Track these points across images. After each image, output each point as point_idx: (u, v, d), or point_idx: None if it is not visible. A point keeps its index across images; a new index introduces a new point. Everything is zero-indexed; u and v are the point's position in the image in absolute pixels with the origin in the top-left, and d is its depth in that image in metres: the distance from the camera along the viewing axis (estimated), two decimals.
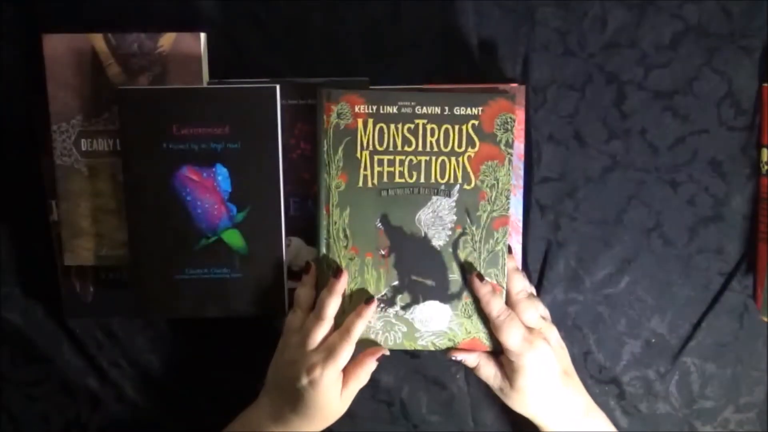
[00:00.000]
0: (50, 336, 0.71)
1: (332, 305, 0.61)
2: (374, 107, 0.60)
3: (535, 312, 0.63)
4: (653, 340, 0.70)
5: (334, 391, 0.60)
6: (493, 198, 0.61)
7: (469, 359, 0.64)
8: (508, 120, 0.60)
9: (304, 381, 0.59)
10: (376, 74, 0.64)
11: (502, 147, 0.60)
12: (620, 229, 0.69)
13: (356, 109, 0.60)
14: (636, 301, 0.70)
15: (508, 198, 0.61)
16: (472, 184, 0.61)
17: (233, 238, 0.64)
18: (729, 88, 0.67)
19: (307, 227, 0.66)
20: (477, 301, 0.62)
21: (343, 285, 0.62)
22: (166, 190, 0.63)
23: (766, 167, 0.67)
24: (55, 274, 0.68)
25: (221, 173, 0.63)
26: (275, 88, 0.62)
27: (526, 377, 0.61)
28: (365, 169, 0.61)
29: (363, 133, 0.60)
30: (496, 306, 0.62)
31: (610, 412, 0.71)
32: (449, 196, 0.61)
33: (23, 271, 0.70)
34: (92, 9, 0.66)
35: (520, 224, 0.67)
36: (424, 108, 0.60)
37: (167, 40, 0.63)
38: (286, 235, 0.65)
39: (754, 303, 0.69)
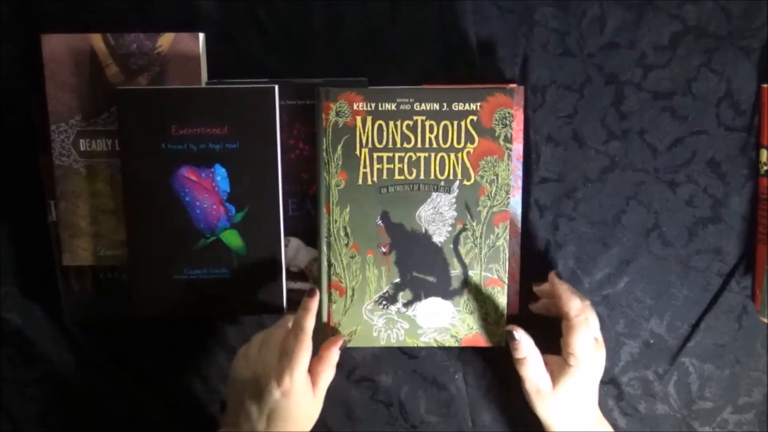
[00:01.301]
0: (49, 336, 0.71)
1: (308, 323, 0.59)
2: (373, 104, 0.60)
3: (597, 326, 0.63)
4: (652, 341, 0.70)
5: (306, 394, 0.58)
6: (492, 193, 0.61)
7: (524, 345, 0.61)
8: (506, 115, 0.60)
9: (276, 394, 0.57)
10: (375, 74, 0.64)
11: (501, 142, 0.61)
12: (619, 230, 0.69)
13: (355, 107, 0.60)
14: (634, 301, 0.70)
15: (507, 193, 0.61)
16: (472, 180, 0.61)
17: (232, 239, 0.64)
18: (728, 89, 0.67)
19: (305, 227, 0.66)
20: (478, 297, 0.63)
21: (315, 303, 0.60)
22: (164, 191, 0.63)
23: (764, 168, 0.67)
24: (54, 275, 0.68)
25: (220, 173, 0.63)
26: (274, 88, 0.62)
27: (575, 382, 0.61)
28: (365, 166, 0.61)
29: (362, 131, 0.60)
30: (575, 305, 0.61)
31: (608, 413, 0.71)
32: (449, 192, 0.61)
33: (22, 271, 0.70)
34: (91, 9, 0.66)
35: (519, 225, 0.67)
36: (423, 104, 0.60)
37: (166, 41, 0.63)
38: (285, 235, 0.65)
39: (752, 304, 0.69)
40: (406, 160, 0.61)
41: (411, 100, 0.60)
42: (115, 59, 0.64)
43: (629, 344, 0.70)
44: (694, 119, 0.67)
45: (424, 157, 0.61)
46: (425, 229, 0.62)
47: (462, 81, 0.65)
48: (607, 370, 0.70)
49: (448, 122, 0.60)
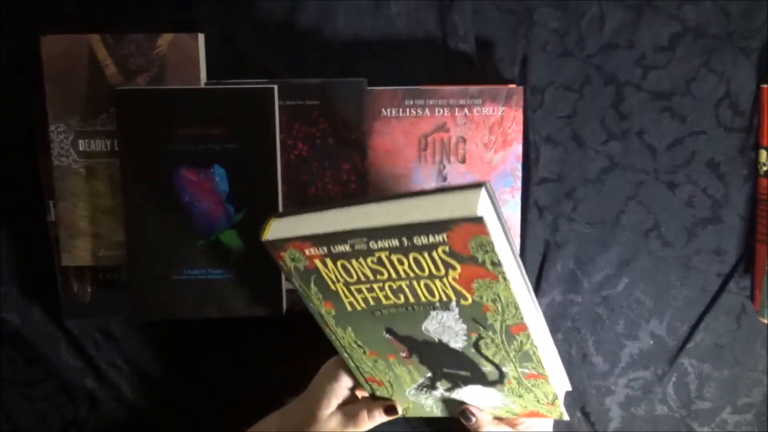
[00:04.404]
0: (48, 336, 0.71)
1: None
2: (324, 248, 0.50)
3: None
4: (651, 342, 0.70)
5: None
6: (500, 309, 0.50)
7: (482, 419, 0.59)
8: (485, 242, 0.46)
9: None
10: (374, 74, 0.64)
11: (490, 267, 0.47)
12: (618, 230, 0.69)
13: (307, 253, 0.51)
14: (634, 302, 0.70)
15: (517, 309, 0.50)
16: (470, 300, 0.50)
17: (231, 239, 0.64)
18: (727, 89, 0.67)
19: None
20: (521, 386, 0.56)
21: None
22: (164, 191, 0.63)
23: (764, 168, 0.67)
24: (53, 275, 0.68)
25: (219, 174, 0.63)
26: (273, 88, 0.62)
27: None
28: (347, 297, 0.53)
29: (327, 271, 0.52)
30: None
31: (607, 413, 0.71)
32: (449, 309, 0.51)
33: (21, 272, 0.70)
34: (90, 10, 0.66)
35: (518, 225, 0.67)
36: (380, 243, 0.49)
37: (165, 41, 0.63)
38: None
39: (751, 304, 0.69)
40: (386, 288, 0.51)
41: (364, 240, 0.49)
42: (114, 60, 0.64)
43: (629, 345, 0.70)
44: (694, 120, 0.67)
45: (406, 284, 0.51)
46: (438, 339, 0.54)
47: (461, 81, 0.65)
48: (606, 371, 0.71)
49: (416, 254, 0.48)
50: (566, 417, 0.58)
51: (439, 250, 0.48)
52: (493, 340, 0.52)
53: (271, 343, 0.70)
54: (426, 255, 0.48)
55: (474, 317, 0.51)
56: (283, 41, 0.66)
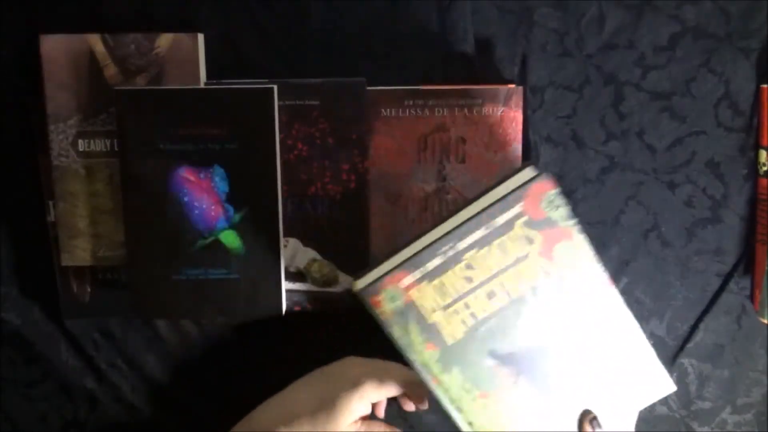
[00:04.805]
0: (48, 336, 0.71)
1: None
2: (420, 271, 0.53)
3: None
4: (651, 342, 0.70)
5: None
6: (580, 272, 0.55)
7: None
8: (553, 198, 0.52)
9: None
10: (374, 75, 0.64)
11: (562, 224, 0.53)
12: (618, 230, 0.69)
13: (402, 284, 0.53)
14: (634, 302, 0.70)
15: (597, 263, 0.54)
16: (553, 274, 0.54)
17: (230, 239, 0.64)
18: (727, 90, 0.67)
19: (304, 228, 0.66)
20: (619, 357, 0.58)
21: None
22: (163, 191, 0.63)
23: (764, 168, 0.67)
24: (53, 275, 0.68)
25: (219, 174, 0.63)
26: (273, 88, 0.62)
27: None
28: (445, 327, 0.55)
29: (423, 299, 0.54)
30: None
31: None
32: (536, 294, 0.55)
33: (21, 272, 0.70)
34: (90, 10, 0.66)
35: None
36: (466, 239, 0.53)
37: (165, 41, 0.63)
38: (283, 236, 0.65)
39: (751, 304, 0.69)
40: (480, 295, 0.54)
41: (452, 244, 0.53)
42: (114, 60, 0.64)
43: None
44: (693, 120, 0.67)
45: (497, 283, 0.54)
46: (538, 343, 0.55)
47: (460, 81, 0.65)
48: None
49: (500, 239, 0.53)
50: (673, 387, 0.59)
51: (518, 223, 0.53)
52: (584, 309, 0.55)
53: (271, 343, 0.70)
54: (508, 237, 0.53)
55: (562, 289, 0.55)
56: (283, 41, 0.66)
